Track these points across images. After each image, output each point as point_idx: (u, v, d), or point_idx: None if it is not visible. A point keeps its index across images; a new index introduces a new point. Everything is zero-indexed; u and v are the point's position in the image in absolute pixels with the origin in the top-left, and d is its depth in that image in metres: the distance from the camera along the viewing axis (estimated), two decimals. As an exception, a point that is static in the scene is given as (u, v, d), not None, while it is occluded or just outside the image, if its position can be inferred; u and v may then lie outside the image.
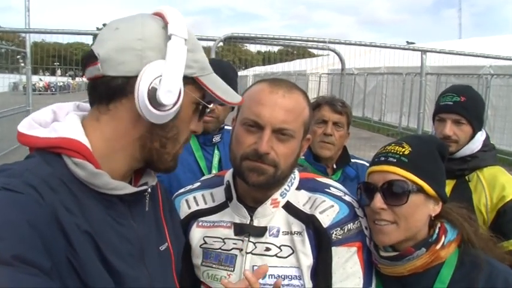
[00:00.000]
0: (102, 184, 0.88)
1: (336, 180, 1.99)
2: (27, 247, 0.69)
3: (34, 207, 0.75)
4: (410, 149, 1.24)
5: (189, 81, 0.93)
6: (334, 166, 2.16)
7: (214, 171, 1.93)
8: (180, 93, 0.88)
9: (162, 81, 0.85)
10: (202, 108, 1.00)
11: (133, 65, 0.87)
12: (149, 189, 1.01)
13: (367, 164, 2.15)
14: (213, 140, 2.00)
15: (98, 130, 0.91)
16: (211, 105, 1.01)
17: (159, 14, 0.93)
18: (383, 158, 1.25)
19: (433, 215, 1.25)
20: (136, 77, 0.86)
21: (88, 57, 0.89)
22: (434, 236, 1.22)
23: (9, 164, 0.85)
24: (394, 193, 1.20)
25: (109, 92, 0.89)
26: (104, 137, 0.91)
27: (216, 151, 2.01)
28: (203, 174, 1.86)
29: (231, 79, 1.96)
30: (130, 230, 0.94)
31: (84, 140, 0.88)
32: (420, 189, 1.21)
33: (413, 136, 1.39)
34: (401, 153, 1.23)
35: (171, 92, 0.86)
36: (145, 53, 0.87)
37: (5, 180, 0.77)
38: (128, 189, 0.93)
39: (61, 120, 0.94)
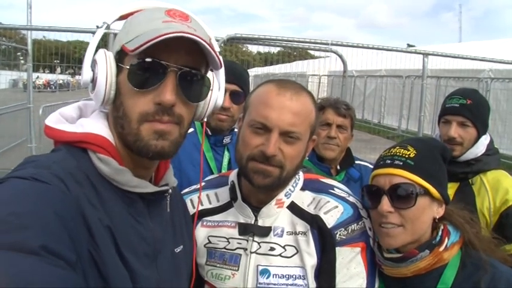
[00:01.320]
0: (125, 181, 0.90)
1: (339, 181, 2.00)
2: (54, 238, 0.69)
3: (61, 198, 0.76)
4: (415, 151, 1.25)
5: (123, 54, 0.90)
6: (338, 167, 2.18)
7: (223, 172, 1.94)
8: (94, 67, 0.90)
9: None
10: (149, 75, 0.88)
11: None
12: (170, 190, 1.02)
13: (371, 166, 2.16)
14: (224, 141, 2.01)
15: (113, 129, 0.94)
16: (126, 64, 0.90)
17: None
18: (389, 161, 1.25)
19: (437, 217, 1.26)
20: None
21: None
22: (438, 238, 1.23)
23: (36, 156, 0.87)
24: (402, 196, 1.21)
25: None
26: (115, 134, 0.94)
27: (226, 152, 2.03)
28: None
29: (244, 80, 1.99)
30: (147, 229, 0.95)
31: (110, 136, 0.91)
32: (426, 192, 1.22)
33: (417, 139, 1.39)
34: (407, 156, 1.24)
35: (84, 71, 0.91)
36: None
37: (33, 171, 0.78)
38: (150, 188, 0.95)
39: (87, 117, 0.97)
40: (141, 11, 0.95)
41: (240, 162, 1.21)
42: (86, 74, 0.91)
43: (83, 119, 0.94)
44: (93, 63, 0.91)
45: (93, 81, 0.90)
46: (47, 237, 0.68)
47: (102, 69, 0.89)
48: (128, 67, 0.87)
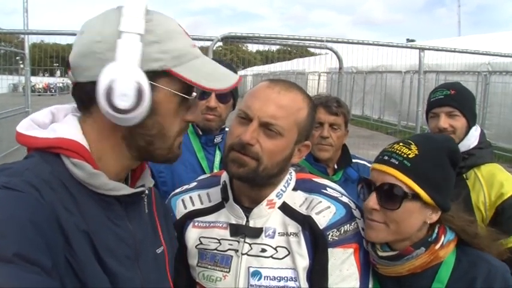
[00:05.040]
0: (100, 184, 0.88)
1: (336, 182, 1.98)
2: (29, 245, 0.69)
3: (35, 206, 0.75)
4: (417, 152, 1.20)
5: (162, 74, 0.88)
6: (335, 166, 2.14)
7: (215, 171, 1.94)
8: (141, 93, 0.84)
9: (115, 85, 0.82)
10: (191, 97, 0.95)
11: (96, 70, 0.84)
12: (146, 191, 1.01)
13: (369, 165, 2.13)
14: (215, 141, 2.00)
15: (88, 133, 0.91)
16: (192, 95, 0.95)
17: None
18: (386, 157, 1.22)
19: (428, 222, 1.22)
20: None
21: (67, 64, 0.90)
22: (434, 235, 1.21)
23: (8, 164, 0.85)
24: (389, 196, 1.18)
25: (85, 97, 0.89)
26: (93, 139, 0.91)
27: (217, 151, 2.02)
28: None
29: None
30: (127, 231, 0.94)
31: (83, 141, 0.89)
32: (417, 197, 1.18)
33: (427, 137, 1.32)
34: (405, 155, 1.19)
35: (126, 95, 0.83)
36: (106, 55, 0.85)
37: (5, 179, 0.77)
38: (126, 190, 0.93)
39: (59, 121, 0.95)
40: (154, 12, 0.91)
41: (223, 152, 1.21)
42: (128, 99, 0.83)
43: (55, 124, 0.92)
44: (138, 89, 0.84)
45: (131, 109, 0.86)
46: (21, 244, 0.67)
47: (146, 98, 0.85)
48: (183, 95, 0.92)
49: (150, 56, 0.86)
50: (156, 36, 0.87)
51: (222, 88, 0.93)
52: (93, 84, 0.85)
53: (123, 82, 0.83)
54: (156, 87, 0.87)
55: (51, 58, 7.31)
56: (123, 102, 0.83)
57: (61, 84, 18.26)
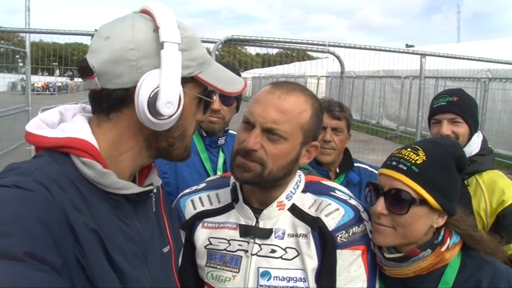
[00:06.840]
0: (110, 183, 0.89)
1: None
2: (38, 244, 0.69)
3: (44, 205, 0.76)
4: (425, 158, 1.21)
5: (189, 80, 0.93)
6: (337, 170, 2.15)
7: (219, 173, 1.94)
8: (180, 100, 0.89)
9: (161, 93, 0.86)
10: (206, 100, 1.01)
11: (129, 77, 0.87)
12: (155, 190, 1.03)
13: (370, 169, 2.15)
14: (218, 142, 2.01)
15: (101, 134, 0.92)
16: (214, 98, 1.02)
17: (147, 13, 0.91)
18: (394, 163, 1.23)
19: (435, 226, 1.24)
20: (134, 87, 0.87)
21: (84, 69, 0.89)
22: (440, 238, 1.23)
23: (18, 163, 0.86)
24: (397, 201, 1.20)
25: (109, 103, 0.90)
26: (108, 141, 0.92)
27: (220, 153, 2.03)
28: (209, 176, 1.87)
29: None
30: (135, 230, 0.95)
31: (93, 140, 0.90)
32: (424, 202, 1.19)
33: (435, 142, 1.34)
34: (413, 161, 1.21)
35: (171, 103, 0.88)
36: (140, 63, 0.87)
37: (15, 178, 0.77)
38: (135, 189, 0.94)
39: (68, 121, 0.95)
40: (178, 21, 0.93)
41: (230, 157, 1.22)
42: (173, 106, 0.89)
43: (64, 124, 0.93)
44: (179, 96, 0.90)
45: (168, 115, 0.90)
46: (30, 243, 0.68)
47: (182, 104, 0.91)
48: (206, 98, 0.99)
49: (182, 64, 0.89)
50: (184, 44, 0.91)
51: (235, 91, 1.01)
52: (123, 91, 0.88)
53: (169, 90, 0.87)
54: (184, 92, 0.91)
55: (53, 57, 7.28)
56: (168, 110, 0.87)
57: (60, 84, 18.19)
